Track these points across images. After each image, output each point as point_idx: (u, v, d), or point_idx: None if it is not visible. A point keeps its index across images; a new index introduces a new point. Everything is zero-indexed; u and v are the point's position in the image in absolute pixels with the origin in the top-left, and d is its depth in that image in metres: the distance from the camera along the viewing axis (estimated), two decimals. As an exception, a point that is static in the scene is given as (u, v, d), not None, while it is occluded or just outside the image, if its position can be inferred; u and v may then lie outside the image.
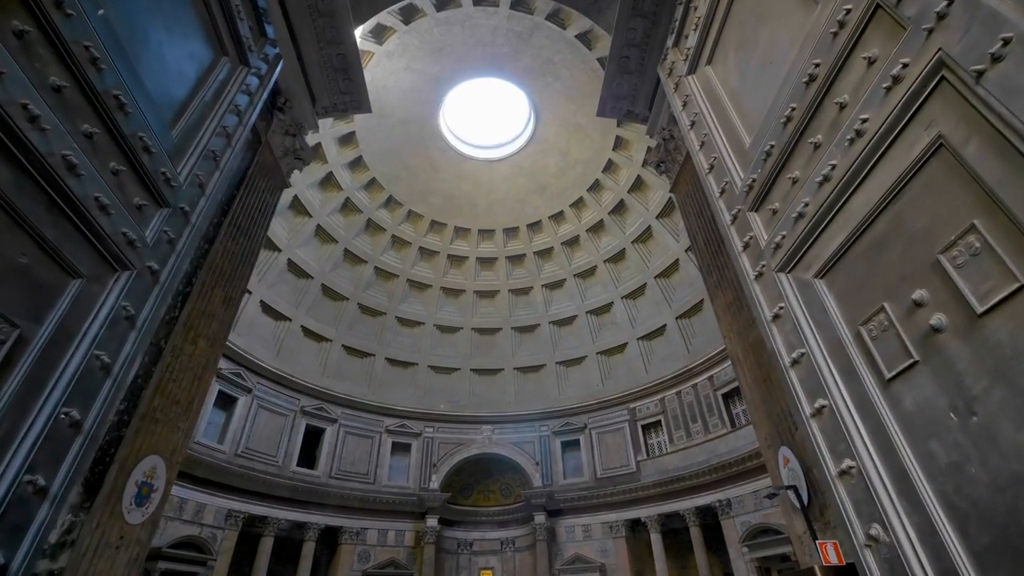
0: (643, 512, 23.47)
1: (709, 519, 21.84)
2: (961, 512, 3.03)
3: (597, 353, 27.44)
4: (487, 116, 27.65)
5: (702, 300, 23.96)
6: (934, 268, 3.17)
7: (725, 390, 22.89)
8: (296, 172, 22.55)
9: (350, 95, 11.92)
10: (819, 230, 4.08)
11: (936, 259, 3.15)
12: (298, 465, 23.37)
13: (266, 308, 23.59)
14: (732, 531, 20.56)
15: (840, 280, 3.94)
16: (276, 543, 21.59)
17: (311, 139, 22.21)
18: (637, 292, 26.56)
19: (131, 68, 4.27)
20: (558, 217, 27.74)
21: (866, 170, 3.65)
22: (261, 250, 22.54)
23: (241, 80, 6.05)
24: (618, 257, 26.98)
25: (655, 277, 25.71)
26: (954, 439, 3.06)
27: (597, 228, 27.09)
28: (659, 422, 24.99)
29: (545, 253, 28.64)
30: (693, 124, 6.30)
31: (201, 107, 5.27)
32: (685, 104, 6.78)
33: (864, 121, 3.62)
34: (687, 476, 22.38)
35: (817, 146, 4.14)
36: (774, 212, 4.65)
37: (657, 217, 24.85)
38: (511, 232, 28.56)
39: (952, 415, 3.06)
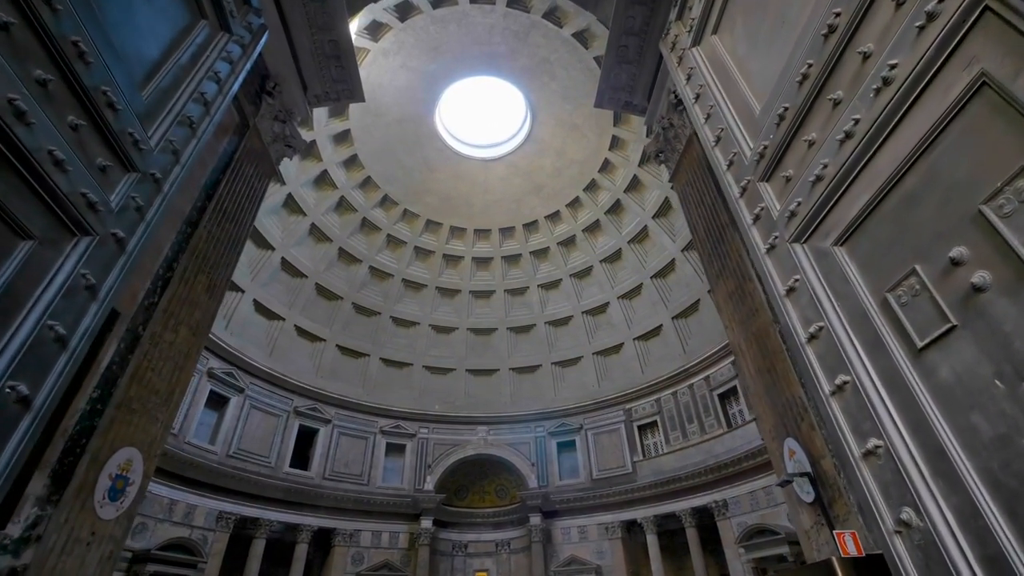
0: (639, 513, 23.11)
1: (706, 520, 21.48)
2: (1009, 490, 2.66)
3: (593, 353, 27.06)
4: (483, 115, 27.41)
5: (698, 300, 23.71)
6: (975, 221, 2.82)
7: (721, 390, 22.57)
8: (291, 171, 22.53)
9: (343, 83, 11.57)
10: (839, 193, 3.74)
11: (978, 211, 2.79)
12: (291, 466, 22.90)
13: (259, 307, 23.14)
14: (729, 532, 20.24)
15: (863, 245, 3.59)
16: (268, 545, 21.11)
17: (305, 136, 21.93)
18: (633, 292, 26.20)
19: (93, 16, 3.88)
20: (554, 217, 27.41)
21: (894, 121, 3.30)
22: (255, 249, 22.44)
23: (222, 47, 5.66)
24: (614, 257, 26.64)
25: (651, 277, 25.37)
26: (1000, 409, 2.70)
27: (593, 228, 26.77)
28: (655, 423, 24.63)
29: (541, 253, 28.28)
30: (698, 97, 5.96)
31: (176, 69, 4.88)
32: (689, 77, 6.43)
33: (892, 68, 3.28)
34: (683, 477, 22.03)
35: (837, 103, 3.80)
36: (787, 179, 4.31)
37: (653, 217, 24.52)
38: (507, 232, 28.21)
39: (998, 382, 2.70)
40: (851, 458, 3.53)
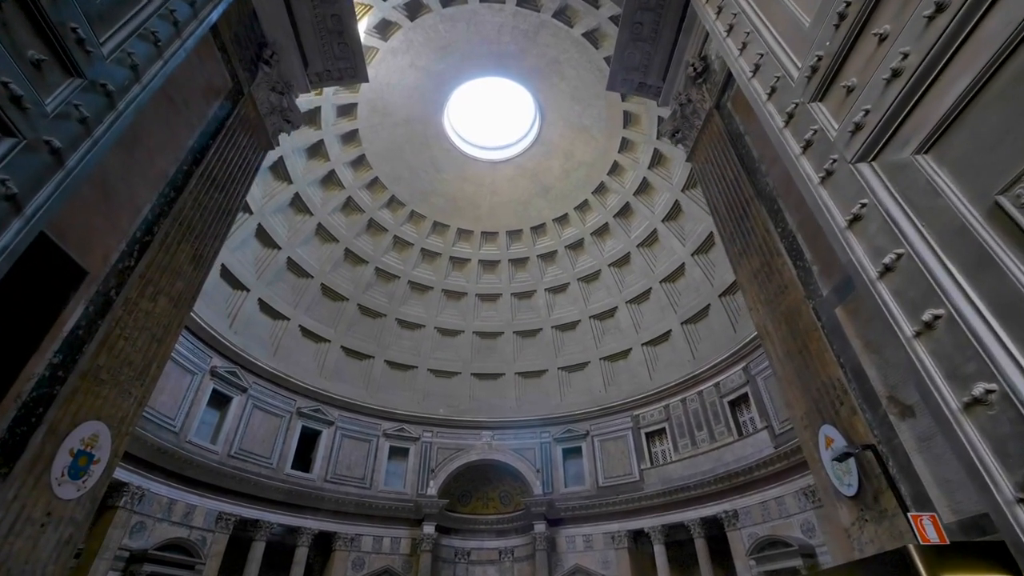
0: (646, 522, 22.12)
1: (715, 531, 20.46)
2: None
3: (600, 359, 26.18)
4: (491, 116, 26.90)
5: (708, 305, 22.89)
6: None
7: (732, 397, 21.66)
8: (298, 170, 21.94)
9: (345, 61, 10.93)
10: (924, 87, 2.97)
11: None
12: (293, 468, 22.15)
13: (264, 307, 22.52)
14: (739, 543, 19.27)
15: (958, 146, 2.81)
16: (268, 548, 20.29)
17: (314, 136, 21.44)
18: (642, 297, 25.37)
19: None
20: (562, 220, 26.68)
21: (1008, -25, 2.56)
22: (261, 248, 21.85)
23: (197, -32, 5.01)
24: (623, 261, 25.82)
25: (660, 282, 24.53)
26: None
27: (602, 231, 26.00)
28: (663, 430, 23.69)
29: (548, 256, 27.52)
30: (731, 29, 5.23)
31: (138, -25, 4.21)
32: (720, 10, 5.73)
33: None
34: (692, 486, 21.05)
35: (921, -26, 3.05)
36: (849, 89, 3.55)
37: (663, 220, 23.77)
38: (514, 235, 27.48)
39: None
40: (946, 412, 2.72)
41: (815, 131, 3.85)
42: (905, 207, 3.07)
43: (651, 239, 24.63)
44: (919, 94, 2.99)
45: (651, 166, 22.93)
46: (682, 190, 22.42)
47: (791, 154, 4.09)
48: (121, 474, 16.31)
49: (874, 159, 3.34)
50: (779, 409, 19.18)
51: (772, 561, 18.00)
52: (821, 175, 3.72)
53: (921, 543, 3.34)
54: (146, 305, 6.67)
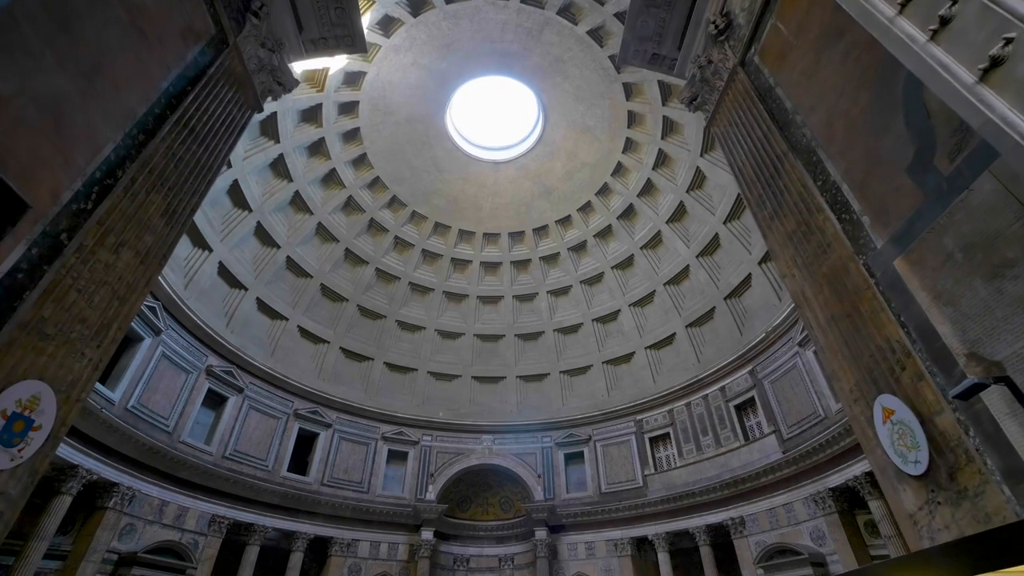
0: (650, 529, 21.14)
1: (721, 538, 19.56)
2: None
3: (603, 362, 25.31)
4: (494, 116, 26.30)
5: (713, 308, 22.07)
6: None
7: (737, 401, 20.82)
8: (299, 169, 21.12)
9: (341, 28, 10.17)
10: None
11: None
12: (289, 471, 21.24)
13: (262, 306, 21.78)
14: (746, 551, 18.37)
15: None
16: (262, 553, 19.36)
17: (315, 133, 20.67)
18: (645, 300, 24.55)
19: None
20: (565, 222, 25.88)
21: None
22: (260, 246, 20.97)
23: None
24: (626, 263, 25.03)
25: (664, 284, 23.72)
26: None
27: (605, 233, 25.22)
28: (667, 435, 22.76)
29: (551, 259, 26.72)
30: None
31: None
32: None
33: None
34: (697, 492, 20.16)
35: None
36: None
37: (667, 222, 22.95)
38: (516, 236, 26.68)
39: None
40: None
41: (920, -25, 2.96)
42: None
43: (655, 241, 23.87)
44: None
45: (655, 167, 22.20)
46: (687, 191, 21.65)
47: (882, 20, 3.20)
48: (111, 474, 15.57)
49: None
50: (787, 413, 18.44)
51: (781, 570, 17.11)
52: (932, 29, 2.82)
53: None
54: (106, 256, 5.77)
